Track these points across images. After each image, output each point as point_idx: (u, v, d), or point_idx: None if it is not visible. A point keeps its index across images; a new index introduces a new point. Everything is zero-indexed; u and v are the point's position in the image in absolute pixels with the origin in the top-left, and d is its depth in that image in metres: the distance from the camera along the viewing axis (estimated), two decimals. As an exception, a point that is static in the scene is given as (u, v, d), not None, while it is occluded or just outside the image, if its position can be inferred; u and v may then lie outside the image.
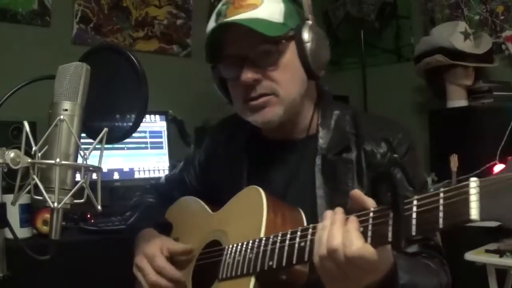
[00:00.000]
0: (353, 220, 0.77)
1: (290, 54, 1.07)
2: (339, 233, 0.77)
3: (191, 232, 1.21)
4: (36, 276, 1.60)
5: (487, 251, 2.02)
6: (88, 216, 2.15)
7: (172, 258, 1.16)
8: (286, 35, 1.06)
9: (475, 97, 2.78)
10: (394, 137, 1.09)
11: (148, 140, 2.55)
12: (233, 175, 1.18)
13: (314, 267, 0.84)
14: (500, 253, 1.97)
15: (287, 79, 1.07)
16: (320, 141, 1.12)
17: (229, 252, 1.03)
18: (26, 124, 0.82)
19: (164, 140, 2.61)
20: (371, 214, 0.76)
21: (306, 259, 0.85)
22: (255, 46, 1.05)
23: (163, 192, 1.41)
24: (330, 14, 3.57)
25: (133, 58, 0.97)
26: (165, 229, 1.25)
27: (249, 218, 1.02)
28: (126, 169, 2.46)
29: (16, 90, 0.94)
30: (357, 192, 0.81)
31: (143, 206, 1.36)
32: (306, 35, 1.06)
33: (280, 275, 0.94)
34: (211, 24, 1.11)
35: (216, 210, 1.17)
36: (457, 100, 2.79)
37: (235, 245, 1.02)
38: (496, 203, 0.59)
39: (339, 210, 0.82)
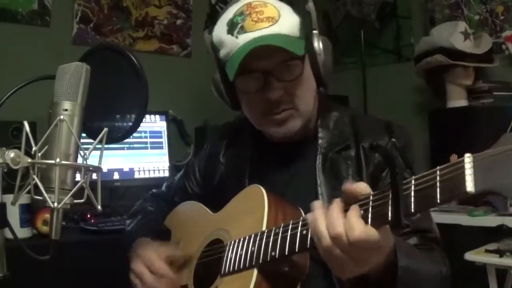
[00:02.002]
0: (353, 208, 0.78)
1: (307, 68, 1.10)
2: (339, 221, 0.77)
3: (192, 234, 1.22)
4: (36, 276, 1.60)
5: (487, 251, 2.02)
6: (88, 216, 2.16)
7: (171, 262, 1.17)
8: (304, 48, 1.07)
9: (475, 97, 2.78)
10: (395, 131, 1.13)
11: (148, 140, 2.55)
12: (236, 178, 1.20)
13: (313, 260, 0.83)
14: (500, 253, 1.97)
15: (305, 92, 1.10)
16: (320, 141, 1.14)
17: (231, 247, 1.03)
18: (26, 124, 0.82)
19: (164, 140, 2.61)
20: (371, 198, 0.77)
21: (308, 246, 0.86)
22: (280, 61, 1.05)
23: (165, 199, 1.42)
24: (330, 14, 3.57)
25: (133, 58, 0.97)
26: (163, 237, 1.26)
27: (251, 215, 1.03)
28: (126, 169, 2.46)
29: (16, 90, 0.94)
30: (346, 186, 0.81)
31: (143, 213, 1.38)
32: (317, 47, 1.10)
33: (282, 267, 0.96)
34: (223, 34, 1.07)
35: (217, 212, 1.19)
36: (457, 100, 2.79)
37: (237, 241, 1.03)
38: (489, 175, 0.62)
39: (336, 201, 0.81)
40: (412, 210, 0.71)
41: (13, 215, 1.79)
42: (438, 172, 0.68)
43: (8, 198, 0.82)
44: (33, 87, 0.97)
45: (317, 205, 0.82)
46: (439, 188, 0.67)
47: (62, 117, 0.80)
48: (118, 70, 0.97)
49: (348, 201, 0.80)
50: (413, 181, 0.71)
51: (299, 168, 1.16)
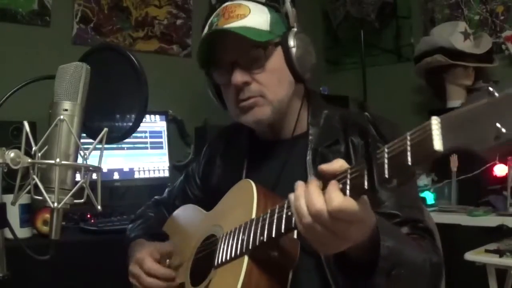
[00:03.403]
0: (332, 183, 0.79)
1: (277, 59, 1.14)
2: (319, 197, 0.78)
3: (188, 235, 1.24)
4: (36, 276, 1.60)
5: (487, 251, 2.02)
6: (88, 216, 2.15)
7: (169, 260, 1.21)
8: (273, 41, 1.13)
9: (475, 97, 2.78)
10: (381, 129, 1.13)
11: (148, 140, 2.55)
12: (233, 179, 1.21)
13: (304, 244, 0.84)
14: (500, 253, 1.97)
15: (274, 82, 1.14)
16: (311, 137, 1.18)
17: (223, 239, 1.06)
18: (26, 124, 0.82)
19: (164, 140, 2.61)
20: (349, 171, 0.78)
21: (293, 225, 0.87)
22: (244, 51, 1.11)
23: (166, 204, 1.46)
24: (330, 14, 3.58)
25: (133, 58, 0.97)
26: (159, 239, 1.29)
27: (241, 207, 1.06)
28: (126, 169, 2.46)
29: (16, 90, 0.94)
30: (321, 167, 0.82)
31: (143, 219, 1.43)
32: (291, 41, 1.14)
33: (272, 252, 0.97)
34: (203, 35, 1.17)
35: (211, 210, 1.21)
36: (457, 100, 2.79)
37: (228, 232, 1.05)
38: (456, 133, 0.64)
39: (312, 180, 0.83)
40: (386, 176, 0.72)
41: (13, 215, 1.79)
42: (408, 137, 0.70)
43: (8, 198, 0.82)
44: (33, 87, 0.97)
45: (299, 184, 0.83)
46: (409, 152, 0.69)
47: (62, 117, 0.80)
48: (118, 70, 0.98)
49: (327, 180, 0.80)
50: (386, 149, 0.73)
51: (291, 165, 1.19)
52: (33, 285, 1.64)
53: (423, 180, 2.60)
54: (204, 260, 1.12)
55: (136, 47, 2.85)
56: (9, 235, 0.87)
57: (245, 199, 1.05)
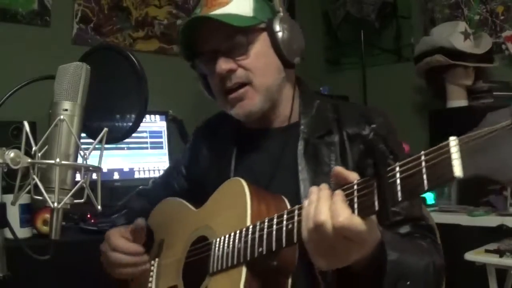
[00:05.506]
0: (338, 193, 0.76)
1: (263, 44, 1.11)
2: (326, 207, 0.76)
3: (175, 233, 1.20)
4: (36, 276, 1.60)
5: (487, 251, 2.02)
6: (88, 216, 2.15)
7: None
8: (256, 26, 1.11)
9: (475, 97, 2.78)
10: (376, 120, 1.12)
11: (148, 140, 2.55)
12: (220, 169, 1.19)
13: (303, 251, 0.84)
14: (500, 253, 1.97)
15: (260, 67, 1.11)
16: (302, 126, 1.15)
17: (217, 245, 1.03)
18: (26, 124, 0.82)
19: (164, 140, 2.61)
20: (355, 187, 0.75)
21: (295, 240, 0.85)
22: (226, 38, 1.09)
23: (151, 196, 1.41)
24: (330, 14, 3.58)
25: (133, 58, 0.97)
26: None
27: (234, 209, 1.03)
28: (126, 169, 2.46)
29: (16, 90, 0.94)
30: (338, 168, 0.80)
31: (127, 209, 1.39)
32: (277, 26, 1.11)
33: (271, 262, 0.94)
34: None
35: (199, 207, 1.17)
36: (457, 100, 2.79)
37: (222, 237, 1.02)
38: (477, 158, 0.59)
39: (324, 186, 0.80)
40: (399, 199, 0.68)
41: (13, 215, 1.79)
42: (423, 157, 0.66)
43: (8, 198, 0.82)
44: (33, 87, 0.97)
45: (313, 190, 0.81)
46: (425, 174, 0.65)
47: (62, 117, 0.80)
48: (118, 70, 0.97)
49: (335, 187, 0.78)
50: (397, 168, 0.69)
51: (281, 155, 1.15)
52: (33, 285, 1.64)
53: (423, 180, 2.60)
54: (197, 264, 1.09)
55: (136, 47, 2.85)
56: (9, 235, 0.87)
57: (237, 200, 1.02)
